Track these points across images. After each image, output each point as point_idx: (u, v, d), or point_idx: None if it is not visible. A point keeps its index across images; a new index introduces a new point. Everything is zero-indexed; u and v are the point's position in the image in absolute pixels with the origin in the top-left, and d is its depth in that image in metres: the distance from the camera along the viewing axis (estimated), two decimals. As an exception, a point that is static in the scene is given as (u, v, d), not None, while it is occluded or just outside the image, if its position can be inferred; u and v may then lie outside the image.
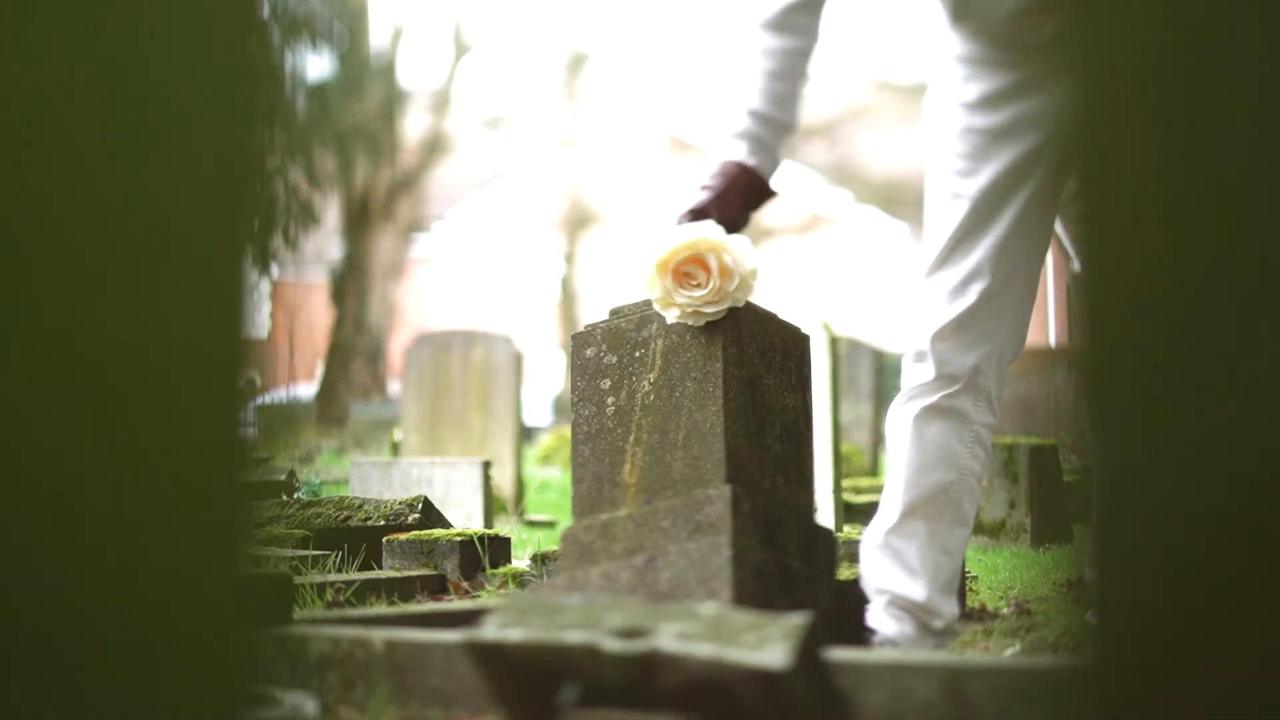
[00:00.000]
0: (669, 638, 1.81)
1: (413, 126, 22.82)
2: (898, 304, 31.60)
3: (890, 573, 3.04)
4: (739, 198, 2.87)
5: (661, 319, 2.71)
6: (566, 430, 12.19)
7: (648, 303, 2.78)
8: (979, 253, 3.03)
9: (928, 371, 3.04)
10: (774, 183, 2.93)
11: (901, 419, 3.07)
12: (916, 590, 3.02)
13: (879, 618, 3.02)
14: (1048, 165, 3.02)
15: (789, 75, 2.97)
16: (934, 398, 3.04)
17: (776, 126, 2.94)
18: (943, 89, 3.09)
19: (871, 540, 3.08)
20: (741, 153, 2.90)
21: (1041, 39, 2.97)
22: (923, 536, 3.04)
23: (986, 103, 3.02)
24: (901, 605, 3.03)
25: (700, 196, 2.87)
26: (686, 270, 2.63)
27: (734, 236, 2.68)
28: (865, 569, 3.07)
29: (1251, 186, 1.05)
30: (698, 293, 2.62)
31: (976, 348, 3.03)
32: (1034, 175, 3.02)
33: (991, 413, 3.09)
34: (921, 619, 3.03)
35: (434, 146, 22.39)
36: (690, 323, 2.65)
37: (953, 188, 3.05)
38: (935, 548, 3.05)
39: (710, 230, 2.67)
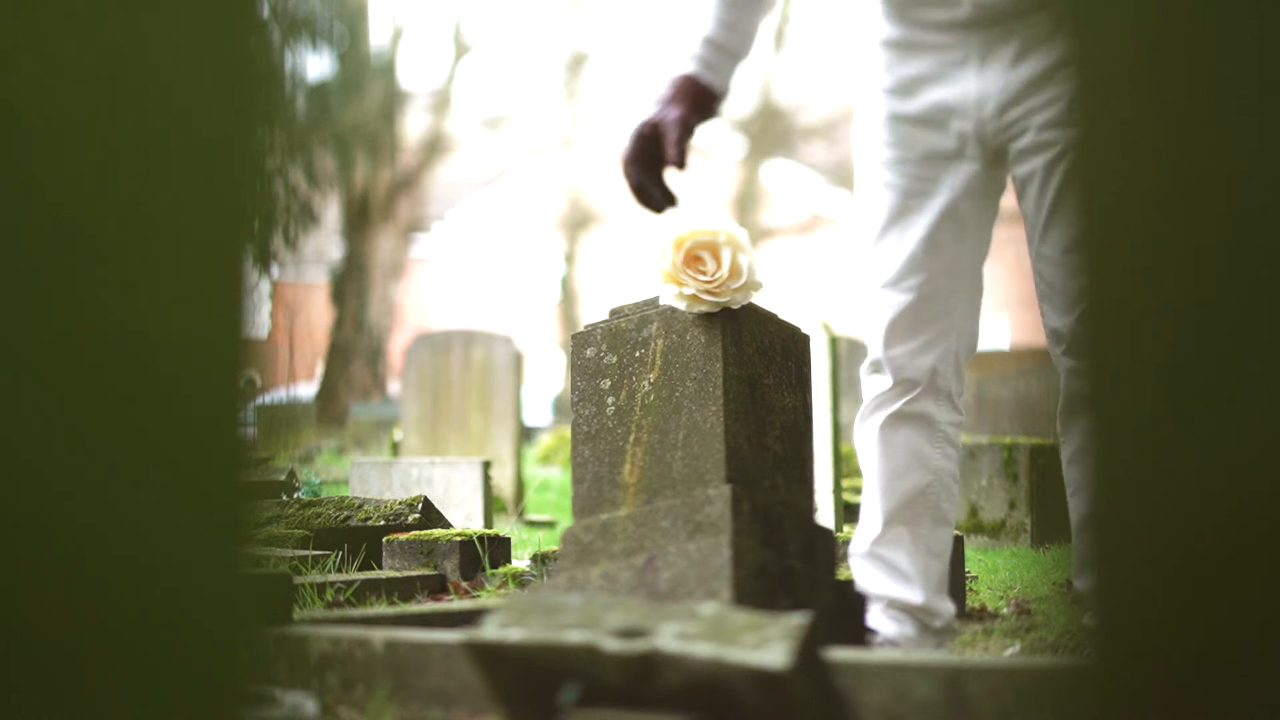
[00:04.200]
0: (669, 638, 1.81)
1: (413, 126, 22.83)
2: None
3: (883, 581, 3.04)
4: (687, 103, 2.96)
5: (662, 319, 2.72)
6: (566, 430, 12.19)
7: (648, 303, 2.78)
8: (911, 246, 3.01)
9: (885, 380, 3.04)
10: (722, 103, 3.01)
11: (868, 431, 3.07)
12: (913, 594, 3.02)
13: (879, 619, 3.02)
14: (976, 154, 2.99)
15: (748, 5, 3.03)
16: (896, 405, 3.04)
17: (728, 54, 3.01)
18: (868, 76, 3.07)
19: (858, 552, 3.07)
20: (691, 68, 2.98)
21: (959, 17, 2.94)
22: (908, 542, 3.04)
23: (907, 89, 3.00)
24: (900, 608, 3.03)
25: (652, 109, 2.96)
26: (698, 254, 2.65)
27: (752, 254, 2.68)
28: (858, 580, 3.07)
29: (1253, 185, 1.05)
30: (701, 278, 2.63)
31: (930, 349, 3.02)
32: (961, 164, 2.99)
33: (955, 410, 3.09)
34: (921, 620, 3.03)
35: (434, 146, 22.41)
36: (683, 307, 2.65)
37: (880, 177, 3.04)
38: (922, 551, 3.04)
39: (736, 227, 2.69)
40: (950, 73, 2.97)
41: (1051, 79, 2.91)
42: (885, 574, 3.03)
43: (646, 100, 3.03)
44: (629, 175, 2.96)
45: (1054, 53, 2.90)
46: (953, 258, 3.02)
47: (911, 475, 3.04)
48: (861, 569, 3.06)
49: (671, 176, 2.99)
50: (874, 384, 3.07)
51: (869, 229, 3.06)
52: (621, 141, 3.00)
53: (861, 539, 3.07)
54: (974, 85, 2.95)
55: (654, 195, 2.96)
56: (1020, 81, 2.93)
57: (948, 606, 3.06)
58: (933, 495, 3.05)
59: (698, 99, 2.98)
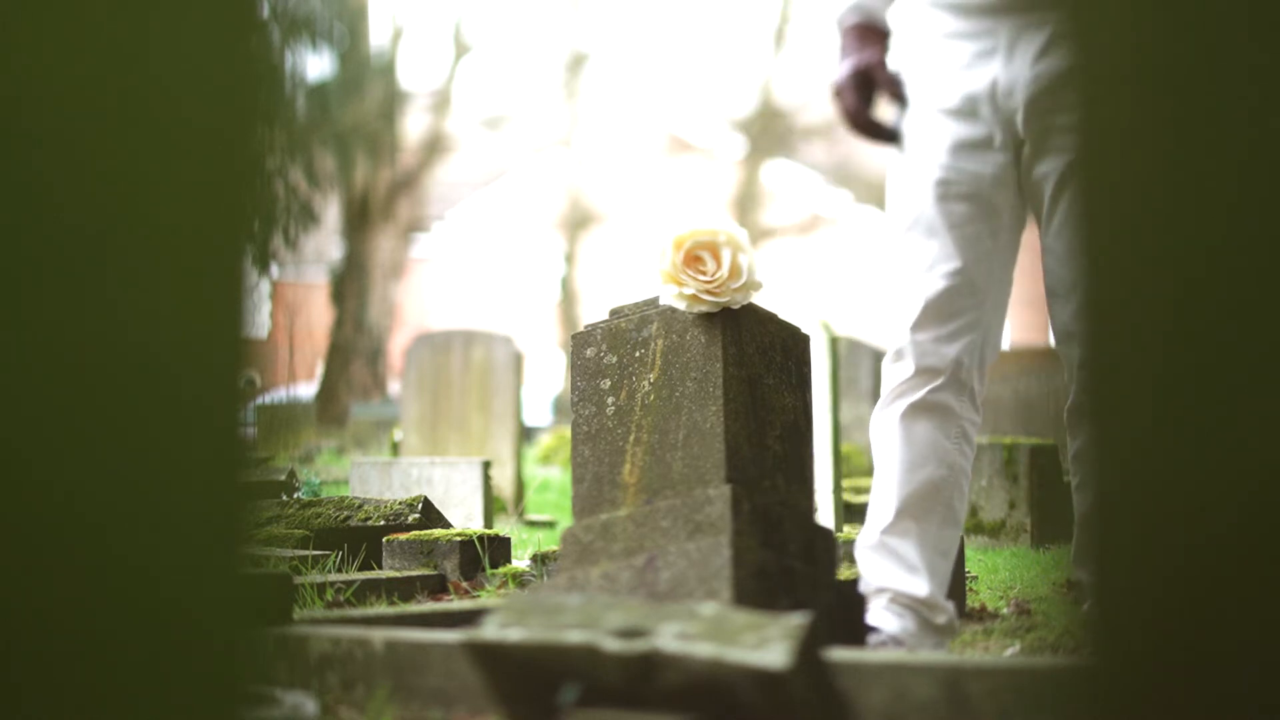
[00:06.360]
0: (669, 638, 1.81)
1: (413, 126, 22.82)
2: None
3: (890, 571, 3.03)
4: (875, 46, 3.12)
5: (662, 319, 2.72)
6: (566, 430, 12.19)
7: (648, 303, 2.78)
8: (947, 234, 3.03)
9: (907, 368, 3.04)
10: (886, 21, 3.17)
11: (888, 420, 3.06)
12: (919, 586, 3.01)
13: (880, 615, 3.01)
14: (1006, 144, 3.01)
15: None
16: (918, 394, 3.03)
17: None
18: (906, 71, 3.12)
19: (866, 542, 3.07)
20: (859, 18, 3.15)
21: (991, 1, 2.97)
22: (916, 535, 3.03)
23: (939, 80, 3.04)
24: (903, 602, 3.02)
25: (848, 61, 3.12)
26: (698, 254, 2.65)
27: (752, 254, 2.69)
28: (864, 570, 3.07)
29: (1252, 185, 1.05)
30: (701, 278, 2.64)
31: (956, 339, 3.03)
32: (990, 154, 3.02)
33: (975, 410, 3.08)
34: (924, 615, 3.02)
35: (434, 146, 22.38)
36: (683, 307, 2.66)
37: (915, 167, 3.07)
38: (930, 547, 3.04)
39: (736, 227, 2.70)
40: (979, 62, 3.00)
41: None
42: (893, 564, 3.02)
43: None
44: (864, 125, 3.14)
45: None
46: (987, 251, 3.04)
47: (928, 467, 3.04)
48: (868, 560, 3.05)
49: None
50: (895, 372, 3.07)
51: (903, 217, 3.08)
52: (834, 102, 3.18)
53: (870, 530, 3.06)
54: (1001, 75, 2.98)
55: (885, 132, 3.14)
56: (1047, 75, 2.94)
57: (949, 605, 3.06)
58: (946, 491, 3.05)
59: (879, 40, 3.15)
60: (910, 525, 3.03)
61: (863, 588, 3.04)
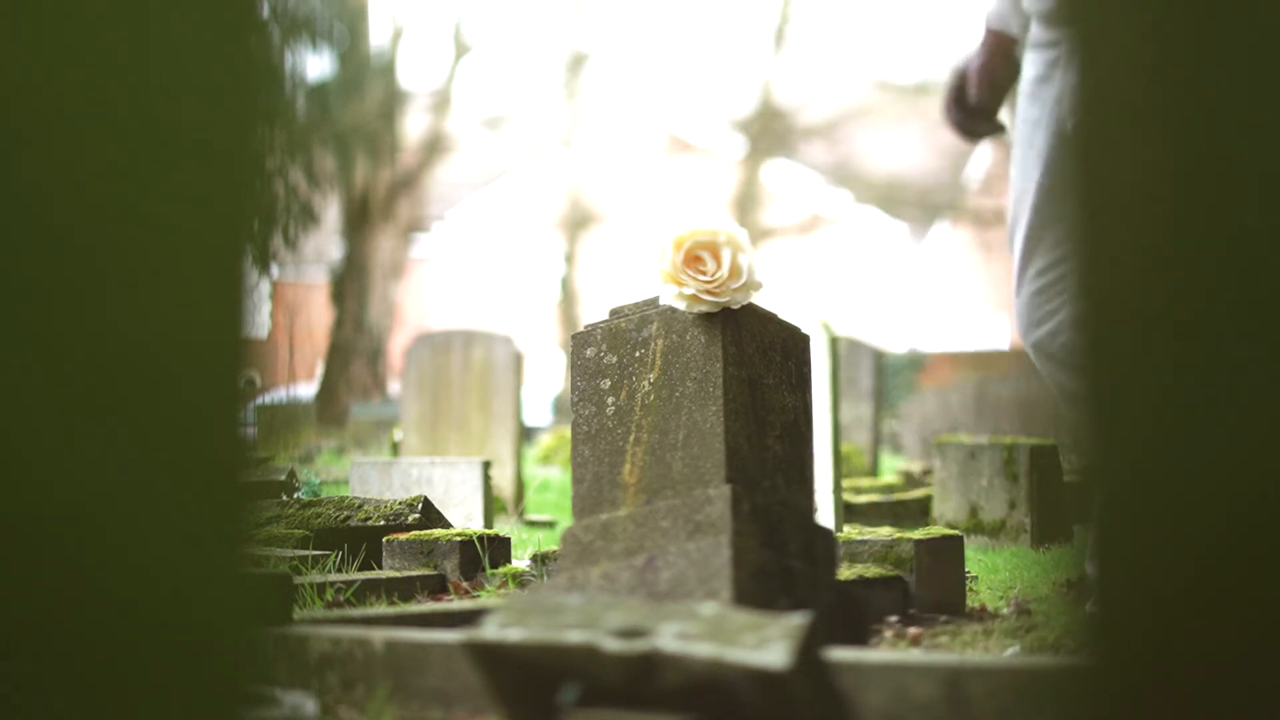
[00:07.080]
0: (669, 638, 1.81)
1: (413, 126, 22.82)
2: (897, 304, 31.59)
3: None
4: (986, 52, 3.37)
5: (662, 319, 2.72)
6: (566, 430, 12.18)
7: (648, 303, 2.78)
8: (1020, 191, 3.20)
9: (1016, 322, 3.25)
10: (1018, 46, 3.38)
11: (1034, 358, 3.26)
12: None
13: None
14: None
15: None
16: (1034, 338, 3.19)
17: (1015, 3, 3.38)
18: (1022, 80, 3.35)
19: None
20: (990, 23, 3.38)
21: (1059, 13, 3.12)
22: None
23: (1028, 93, 3.24)
24: None
25: (966, 59, 3.39)
26: (698, 255, 2.66)
27: (751, 254, 2.72)
28: None
29: (1253, 187, 1.05)
30: (701, 278, 2.64)
31: (1045, 322, 3.16)
32: (1059, 143, 3.20)
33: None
34: None
35: (434, 146, 22.38)
36: (683, 307, 2.66)
37: (1015, 175, 3.27)
38: None
39: (736, 227, 2.71)
40: (1049, 71, 3.21)
41: None
42: None
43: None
44: (950, 118, 3.46)
45: None
46: (1060, 237, 3.17)
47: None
48: None
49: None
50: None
51: (1012, 225, 3.29)
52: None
53: None
54: (1061, 84, 3.17)
55: (972, 130, 3.45)
56: None
57: None
58: None
59: (996, 46, 3.41)
60: None
61: None
